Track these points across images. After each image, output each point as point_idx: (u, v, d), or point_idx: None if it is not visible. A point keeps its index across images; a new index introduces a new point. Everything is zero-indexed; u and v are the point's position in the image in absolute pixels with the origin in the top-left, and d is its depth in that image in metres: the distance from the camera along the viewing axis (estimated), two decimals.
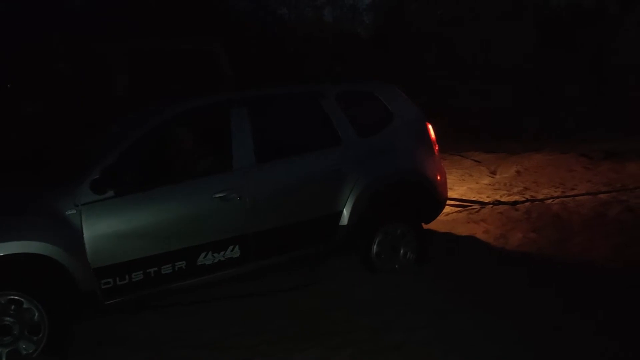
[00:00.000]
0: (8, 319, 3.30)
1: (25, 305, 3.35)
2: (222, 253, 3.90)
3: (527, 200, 6.41)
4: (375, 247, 4.46)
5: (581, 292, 3.90)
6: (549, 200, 6.29)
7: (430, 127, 4.85)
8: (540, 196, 6.55)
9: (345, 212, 4.34)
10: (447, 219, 5.95)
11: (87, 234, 3.51)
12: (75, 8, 12.70)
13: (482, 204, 6.49)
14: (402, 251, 4.55)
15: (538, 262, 4.64)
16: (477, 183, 7.73)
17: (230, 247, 3.93)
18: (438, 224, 5.49)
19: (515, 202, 6.32)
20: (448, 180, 5.27)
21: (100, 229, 3.55)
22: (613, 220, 5.42)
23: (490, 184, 7.59)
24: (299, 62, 14.61)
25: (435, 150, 4.84)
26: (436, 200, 4.82)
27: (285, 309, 3.97)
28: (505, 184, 7.43)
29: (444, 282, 4.23)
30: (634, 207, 5.67)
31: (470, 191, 7.26)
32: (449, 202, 5.72)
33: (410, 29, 15.52)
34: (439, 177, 4.79)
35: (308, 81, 5.12)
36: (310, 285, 4.35)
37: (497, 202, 6.46)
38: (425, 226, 4.91)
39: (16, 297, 3.33)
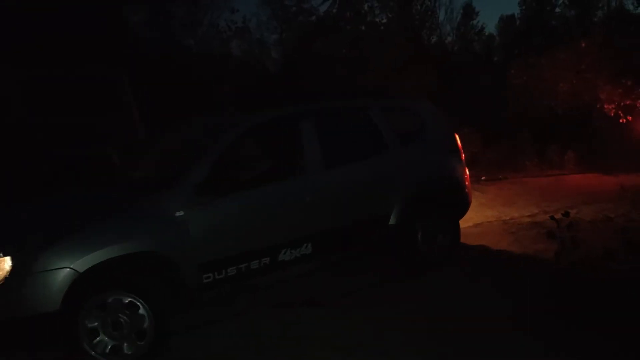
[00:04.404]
0: (124, 317, 3.57)
1: (140, 312, 3.61)
2: (298, 250, 4.32)
3: None
4: (420, 236, 5.05)
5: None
6: None
7: (457, 137, 5.48)
8: None
9: (394, 212, 4.89)
10: None
11: (193, 233, 3.81)
12: None
13: None
14: (440, 238, 5.19)
15: None
16: None
17: (305, 245, 4.34)
18: None
19: None
20: None
21: (203, 228, 3.87)
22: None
23: None
24: (205, 92, 14.48)
25: (462, 158, 5.48)
26: (465, 200, 5.48)
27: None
28: None
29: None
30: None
31: None
32: None
33: (316, 65, 15.93)
34: (466, 181, 5.48)
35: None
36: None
37: None
38: None
39: (134, 301, 3.59)
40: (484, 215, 7.41)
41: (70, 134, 6.91)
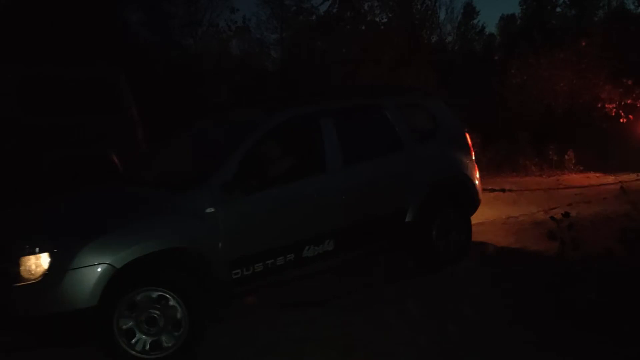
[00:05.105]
0: (156, 312, 3.57)
1: (171, 303, 3.60)
2: (320, 246, 4.36)
3: None
4: (434, 233, 5.11)
5: None
6: None
7: (468, 135, 5.54)
8: None
9: (410, 209, 4.93)
10: None
11: (223, 230, 3.85)
12: None
13: None
14: (453, 234, 5.26)
15: None
16: None
17: (327, 241, 4.38)
18: None
19: None
20: None
21: (233, 225, 3.91)
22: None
23: None
24: (205, 91, 14.48)
25: (473, 155, 5.57)
26: (476, 197, 5.54)
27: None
28: None
29: None
30: None
31: None
32: None
33: (315, 65, 15.92)
34: (477, 177, 5.55)
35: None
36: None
37: None
38: None
39: (165, 295, 3.59)
40: (484, 215, 7.37)
41: (69, 134, 6.88)
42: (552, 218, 5.14)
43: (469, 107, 12.52)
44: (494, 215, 7.49)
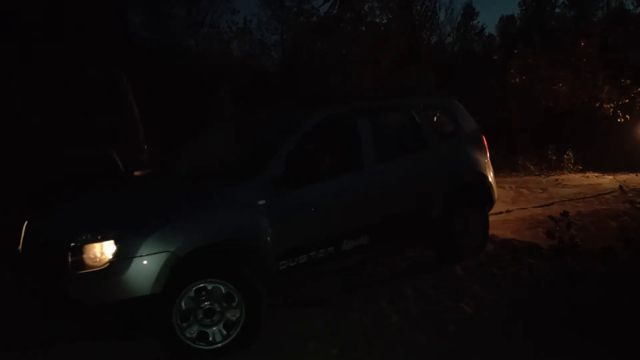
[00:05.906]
0: (217, 305, 3.64)
1: (234, 304, 3.67)
2: (357, 240, 4.51)
3: None
4: (456, 228, 5.32)
5: None
6: None
7: (484, 136, 5.79)
8: None
9: (435, 206, 5.12)
10: None
11: (273, 222, 3.96)
12: None
13: None
14: (473, 229, 5.46)
15: None
16: None
17: (362, 235, 4.53)
18: None
19: None
20: None
21: (281, 218, 4.02)
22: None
23: None
24: (206, 92, 14.51)
25: (488, 154, 5.80)
26: (492, 195, 5.73)
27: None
28: None
29: None
30: None
31: None
32: None
33: (315, 65, 15.93)
34: (492, 176, 5.77)
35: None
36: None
37: None
38: None
39: (229, 291, 3.67)
40: None
41: (71, 134, 6.91)
42: (550, 217, 5.19)
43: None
44: (493, 214, 7.52)
